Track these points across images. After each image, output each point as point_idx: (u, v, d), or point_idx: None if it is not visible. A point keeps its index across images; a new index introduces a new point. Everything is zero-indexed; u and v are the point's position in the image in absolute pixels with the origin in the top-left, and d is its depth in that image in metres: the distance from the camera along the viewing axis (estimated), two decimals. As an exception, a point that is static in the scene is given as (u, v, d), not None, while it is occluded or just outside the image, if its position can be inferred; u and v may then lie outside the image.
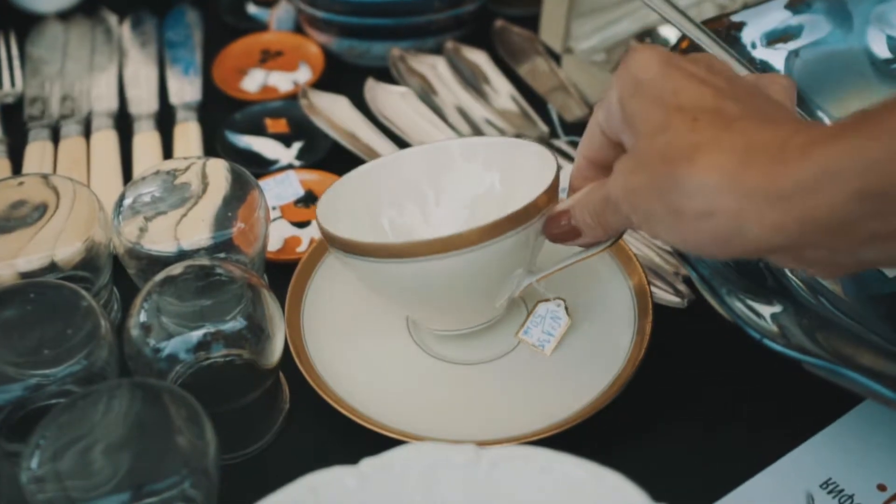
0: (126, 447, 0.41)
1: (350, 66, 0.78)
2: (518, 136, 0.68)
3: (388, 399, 0.52)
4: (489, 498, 0.40)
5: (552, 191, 0.48)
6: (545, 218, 0.48)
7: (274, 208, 0.65)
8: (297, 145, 0.71)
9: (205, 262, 0.49)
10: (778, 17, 0.58)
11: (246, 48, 0.80)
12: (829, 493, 0.48)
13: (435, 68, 0.74)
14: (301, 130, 0.72)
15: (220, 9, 0.85)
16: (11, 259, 0.53)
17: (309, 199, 0.66)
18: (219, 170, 0.56)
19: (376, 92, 0.73)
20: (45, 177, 0.56)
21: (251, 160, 0.70)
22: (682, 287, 0.57)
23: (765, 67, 0.57)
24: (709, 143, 0.37)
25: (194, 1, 0.86)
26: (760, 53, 0.57)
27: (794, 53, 0.58)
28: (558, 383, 0.52)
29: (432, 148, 0.56)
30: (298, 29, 0.82)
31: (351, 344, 0.55)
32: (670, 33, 0.75)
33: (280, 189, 0.66)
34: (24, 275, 0.53)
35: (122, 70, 0.78)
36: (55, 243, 0.53)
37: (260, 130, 0.72)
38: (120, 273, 0.56)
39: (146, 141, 0.71)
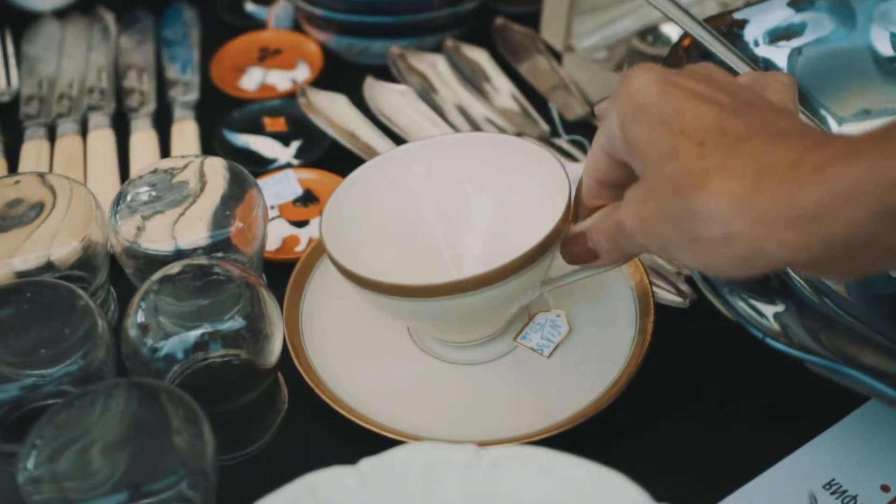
0: (123, 447, 0.41)
1: (349, 64, 0.78)
2: (519, 134, 0.68)
3: (388, 399, 0.52)
4: (489, 498, 0.40)
5: (568, 212, 0.48)
6: (562, 239, 0.48)
7: (272, 207, 0.65)
8: (295, 144, 0.71)
9: (203, 261, 0.49)
10: (781, 14, 0.57)
11: (244, 46, 0.79)
12: (833, 493, 0.48)
13: (435, 66, 0.74)
14: (300, 129, 0.72)
15: (218, 7, 0.84)
16: (8, 258, 0.53)
17: (307, 198, 0.66)
18: (217, 169, 0.55)
19: (375, 90, 0.72)
20: (41, 175, 0.56)
21: (249, 159, 0.69)
22: (684, 287, 0.57)
23: (767, 65, 0.56)
24: (717, 168, 0.36)
25: (192, -1, 0.85)
26: (763, 51, 0.57)
27: (796, 51, 0.57)
28: (559, 383, 0.52)
29: (429, 142, 0.55)
30: (297, 27, 0.81)
31: (350, 344, 0.55)
32: (672, 31, 0.75)
33: (278, 188, 0.66)
34: (21, 274, 0.53)
35: (119, 68, 0.78)
36: (52, 242, 0.53)
37: (258, 129, 0.72)
38: (117, 272, 0.56)
39: (143, 139, 0.71)
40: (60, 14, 0.83)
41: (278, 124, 0.72)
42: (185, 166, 0.55)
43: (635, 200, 0.40)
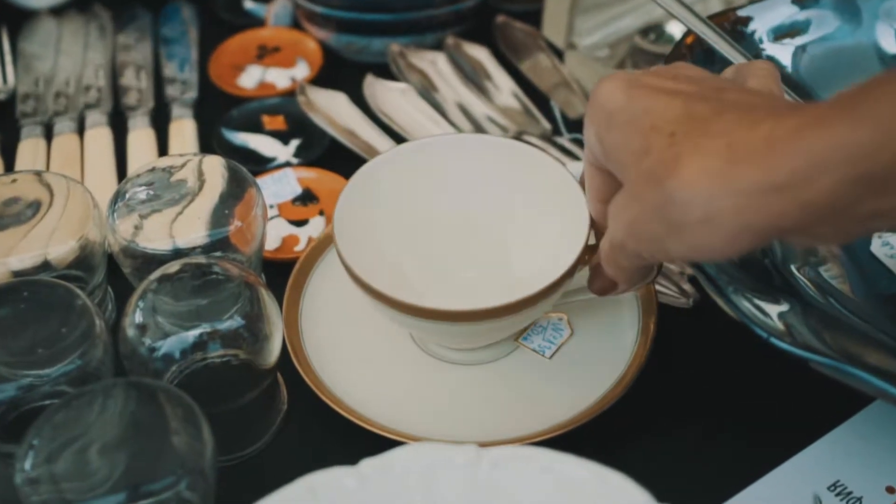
0: (121, 448, 0.41)
1: (349, 62, 0.78)
2: (520, 134, 0.68)
3: (388, 399, 0.51)
4: (490, 499, 0.39)
5: (586, 246, 0.48)
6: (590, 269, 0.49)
7: (271, 206, 0.64)
8: (294, 142, 0.70)
9: (201, 260, 0.49)
10: (785, 11, 0.57)
11: (243, 44, 0.79)
12: (837, 495, 0.48)
13: (435, 64, 0.74)
14: (299, 127, 0.71)
15: (217, 4, 0.84)
16: (4, 257, 0.52)
17: (307, 197, 0.65)
18: (215, 167, 0.55)
19: (375, 88, 0.72)
20: (38, 174, 0.56)
21: (248, 158, 0.69)
22: (687, 287, 0.57)
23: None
24: (690, 151, 0.37)
25: (190, -4, 0.85)
26: (767, 49, 0.57)
27: (801, 49, 0.57)
28: (561, 384, 0.52)
29: (432, 141, 0.55)
30: (296, 25, 0.81)
31: (350, 344, 0.54)
32: (675, 29, 0.74)
33: (278, 187, 0.65)
34: (18, 273, 0.52)
35: (117, 66, 0.77)
36: (49, 241, 0.53)
37: (257, 127, 0.72)
38: (115, 272, 0.56)
39: (141, 138, 0.70)
40: (57, 11, 0.83)
41: (277, 123, 0.72)
42: (184, 165, 0.55)
43: (618, 209, 0.41)
